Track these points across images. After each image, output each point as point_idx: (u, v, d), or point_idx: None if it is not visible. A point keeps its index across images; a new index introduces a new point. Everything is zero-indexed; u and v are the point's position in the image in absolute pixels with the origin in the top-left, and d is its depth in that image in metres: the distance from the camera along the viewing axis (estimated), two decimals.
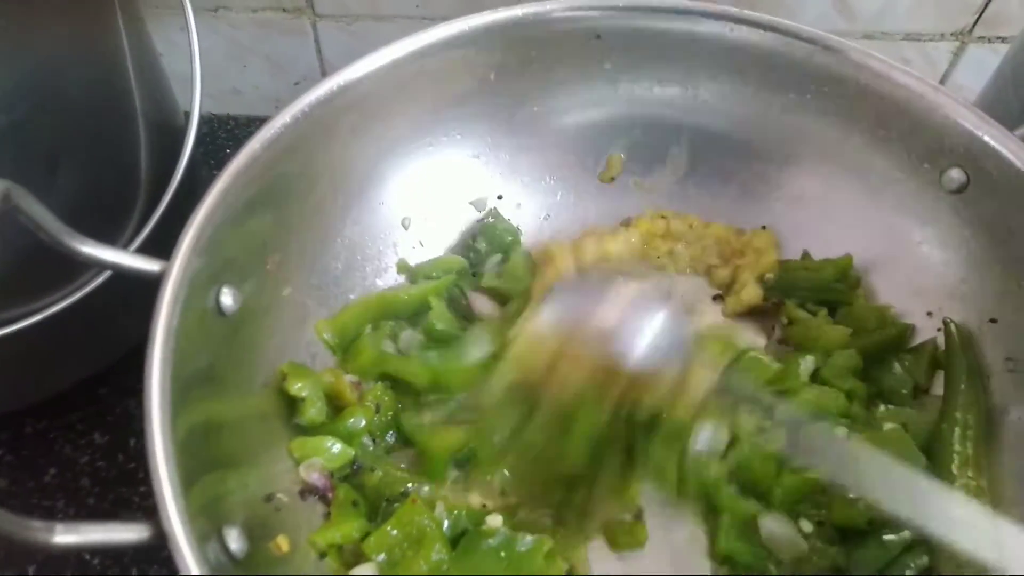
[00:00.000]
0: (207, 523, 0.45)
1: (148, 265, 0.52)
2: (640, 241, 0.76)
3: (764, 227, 0.76)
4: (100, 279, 0.65)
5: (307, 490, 0.59)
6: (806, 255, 0.74)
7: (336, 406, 0.64)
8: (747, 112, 0.73)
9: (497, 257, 0.76)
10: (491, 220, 0.76)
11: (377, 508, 0.59)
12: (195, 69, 0.69)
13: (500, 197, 0.77)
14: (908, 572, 0.57)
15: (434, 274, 0.72)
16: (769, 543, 0.59)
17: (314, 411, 0.61)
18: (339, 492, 0.60)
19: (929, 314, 0.68)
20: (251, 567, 0.49)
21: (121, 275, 0.52)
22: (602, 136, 0.77)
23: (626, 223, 0.78)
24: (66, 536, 0.40)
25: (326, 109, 0.62)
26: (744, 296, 0.73)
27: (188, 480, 0.45)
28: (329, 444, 0.61)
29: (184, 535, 0.41)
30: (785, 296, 0.72)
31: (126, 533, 0.41)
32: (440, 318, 0.70)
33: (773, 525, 0.59)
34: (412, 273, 0.73)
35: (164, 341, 0.49)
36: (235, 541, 0.48)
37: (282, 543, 0.55)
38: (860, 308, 0.70)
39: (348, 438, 0.62)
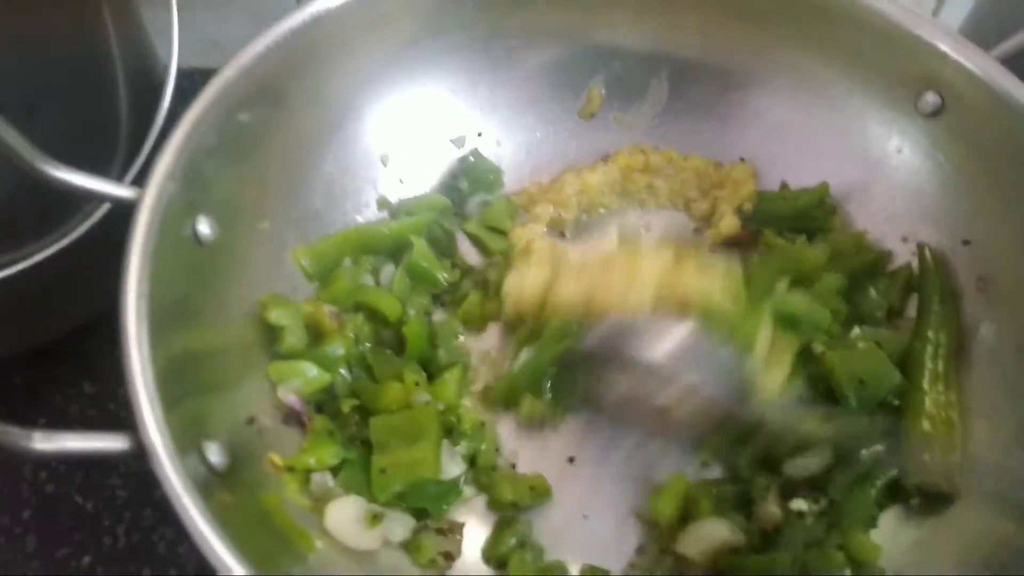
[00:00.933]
0: (186, 437, 0.46)
1: (123, 191, 0.52)
2: (619, 175, 0.76)
3: (742, 159, 0.76)
4: (85, 226, 0.64)
5: (287, 415, 0.60)
6: (784, 186, 0.74)
7: (316, 336, 0.64)
8: (726, 42, 0.73)
9: (479, 197, 0.76)
10: (472, 159, 0.76)
11: (353, 438, 0.60)
12: (173, 20, 0.68)
13: (480, 134, 0.77)
14: (879, 483, 0.59)
15: (416, 211, 0.72)
16: None
17: (293, 339, 0.61)
18: (316, 422, 0.61)
19: (904, 239, 0.69)
20: (234, 482, 0.50)
21: (116, 212, 0.51)
22: (581, 70, 0.77)
23: (605, 159, 0.78)
24: (45, 443, 0.41)
25: (301, 38, 0.62)
26: (723, 227, 0.73)
27: (167, 395, 0.45)
28: (306, 368, 0.61)
29: (162, 443, 0.42)
30: (764, 226, 0.72)
31: (105, 443, 0.42)
32: (423, 256, 0.70)
33: None
34: (393, 210, 0.73)
35: (140, 265, 0.49)
36: (215, 455, 0.49)
37: (276, 459, 0.56)
38: (838, 235, 0.70)
39: (326, 365, 0.62)
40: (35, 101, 0.62)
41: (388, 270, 0.70)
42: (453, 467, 0.59)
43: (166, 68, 0.69)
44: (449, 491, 0.60)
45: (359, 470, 0.58)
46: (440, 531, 0.58)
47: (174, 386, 0.47)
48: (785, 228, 0.72)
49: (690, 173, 0.77)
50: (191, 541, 0.41)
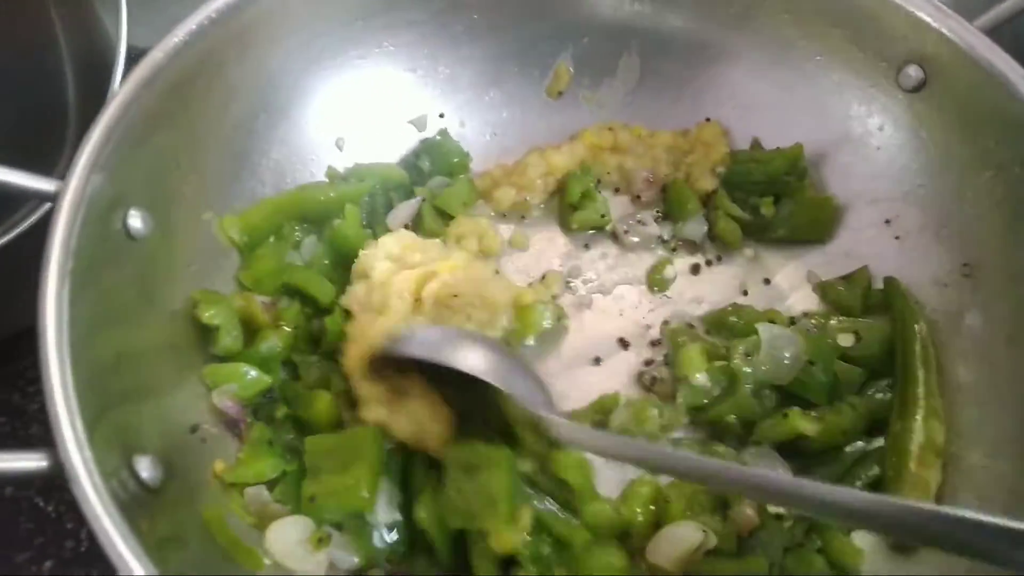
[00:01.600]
0: (115, 452, 0.42)
1: (40, 184, 0.48)
2: (587, 155, 0.73)
3: (708, 119, 0.72)
4: (33, 218, 0.61)
5: (227, 421, 0.56)
6: (756, 144, 0.71)
7: (252, 331, 0.60)
8: (700, 14, 0.69)
9: (439, 180, 0.71)
10: (439, 138, 0.72)
11: (293, 447, 0.56)
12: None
13: (441, 115, 0.73)
14: (858, 483, 0.56)
15: (366, 179, 0.68)
16: None
17: (229, 339, 0.57)
18: (254, 431, 0.56)
19: (887, 222, 0.66)
20: (172, 498, 0.47)
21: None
22: (548, 46, 0.73)
23: (572, 138, 0.74)
24: None
25: (238, 15, 0.58)
26: (699, 187, 0.70)
27: (93, 407, 0.42)
28: (244, 370, 0.57)
29: (82, 464, 0.38)
30: (734, 189, 0.69)
31: (23, 462, 0.39)
32: (351, 227, 0.64)
33: None
34: (340, 179, 0.69)
35: (61, 264, 0.45)
36: (147, 469, 0.46)
37: (218, 468, 0.53)
38: (805, 199, 0.68)
39: (264, 364, 0.58)
40: None
41: (310, 242, 0.65)
42: (389, 511, 0.54)
43: (113, 48, 0.65)
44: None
45: (298, 484, 0.54)
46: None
47: (101, 396, 0.44)
48: (755, 192, 0.69)
49: (660, 149, 0.73)
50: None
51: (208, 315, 0.56)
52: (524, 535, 0.50)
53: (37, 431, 0.71)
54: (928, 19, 0.59)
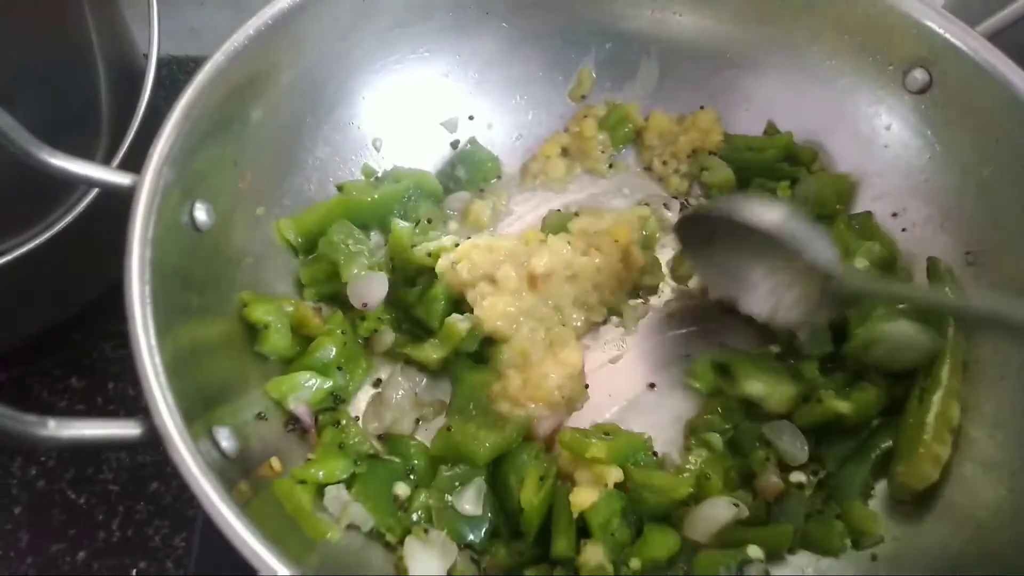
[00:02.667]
0: (198, 421, 0.46)
1: (120, 178, 0.51)
2: (578, 143, 0.77)
3: (702, 107, 0.76)
4: (68, 218, 0.64)
5: (291, 421, 0.59)
6: (771, 126, 0.75)
7: (304, 337, 0.63)
8: (717, 21, 0.73)
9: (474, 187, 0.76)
10: (469, 147, 0.76)
11: (360, 451, 0.59)
12: (153, 7, 0.68)
13: (471, 117, 0.77)
14: (874, 455, 0.60)
15: (401, 181, 0.71)
16: None
17: (278, 337, 0.60)
18: (325, 435, 0.59)
19: (894, 215, 0.70)
20: (245, 467, 0.50)
21: (102, 201, 0.50)
22: (571, 50, 0.77)
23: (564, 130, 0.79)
24: (59, 430, 0.40)
25: (290, 22, 0.62)
26: (716, 178, 0.75)
27: (176, 381, 0.45)
28: (304, 380, 0.60)
29: (176, 428, 0.42)
30: (744, 175, 0.74)
31: (119, 429, 0.42)
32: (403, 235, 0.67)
33: None
34: (376, 177, 0.73)
35: (140, 251, 0.49)
36: (226, 439, 0.49)
37: (275, 463, 0.56)
38: (819, 178, 0.72)
39: (322, 370, 0.61)
40: (15, 91, 0.61)
41: (375, 238, 0.69)
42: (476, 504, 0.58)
43: (146, 57, 0.68)
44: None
45: (373, 481, 0.57)
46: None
47: (182, 372, 0.47)
48: (757, 177, 0.73)
49: (654, 134, 0.77)
50: (214, 525, 0.41)
51: (257, 315, 0.59)
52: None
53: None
54: (933, 25, 0.63)
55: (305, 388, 0.59)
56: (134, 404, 0.74)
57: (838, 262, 0.57)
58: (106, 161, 0.66)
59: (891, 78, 0.68)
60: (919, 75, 0.66)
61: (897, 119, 0.69)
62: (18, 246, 0.62)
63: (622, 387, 0.66)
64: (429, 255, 0.65)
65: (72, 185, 0.64)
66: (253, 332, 0.61)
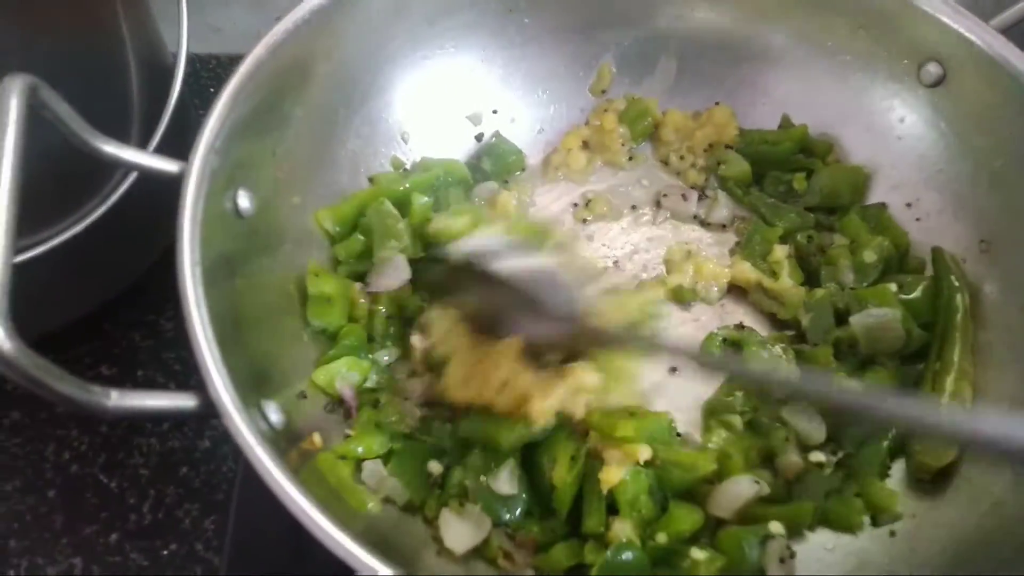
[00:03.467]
0: (248, 395, 0.48)
1: (168, 165, 0.53)
2: (598, 135, 0.79)
3: (718, 103, 0.78)
4: (100, 212, 0.65)
5: (332, 403, 0.61)
6: (785, 119, 0.77)
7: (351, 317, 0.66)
8: (733, 15, 0.76)
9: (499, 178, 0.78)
10: (494, 140, 0.78)
11: (396, 431, 0.61)
12: (182, 7, 0.69)
13: (495, 111, 0.79)
14: (890, 434, 0.62)
15: (431, 170, 0.74)
16: None
17: (336, 312, 0.63)
18: (362, 414, 0.61)
19: (908, 205, 0.72)
20: (291, 440, 0.52)
21: (136, 189, 0.52)
22: (593, 46, 0.79)
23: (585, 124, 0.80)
24: (120, 401, 0.42)
25: (326, 18, 0.64)
26: (731, 171, 0.77)
27: (226, 356, 0.47)
28: (348, 365, 0.62)
29: (231, 400, 0.44)
30: (760, 169, 0.76)
31: (177, 400, 0.44)
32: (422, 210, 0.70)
33: None
34: (405, 168, 0.75)
35: (191, 232, 0.51)
36: (274, 413, 0.51)
37: (316, 439, 0.57)
38: (833, 170, 0.74)
39: (366, 350, 0.64)
40: (52, 84, 0.63)
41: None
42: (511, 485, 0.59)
43: (173, 55, 0.70)
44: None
45: (408, 458, 0.60)
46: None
47: (231, 348, 0.49)
48: (773, 169, 0.76)
49: (669, 129, 0.79)
50: (270, 493, 0.42)
51: (323, 288, 0.62)
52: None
53: None
54: (947, 20, 0.65)
55: (349, 373, 0.62)
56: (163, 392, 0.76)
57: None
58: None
59: (905, 72, 0.70)
60: (933, 69, 0.68)
61: (911, 112, 0.71)
62: (50, 237, 0.63)
63: (644, 371, 0.67)
64: (438, 232, 0.67)
65: (103, 178, 0.66)
66: (292, 311, 0.63)
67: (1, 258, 0.41)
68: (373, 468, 0.58)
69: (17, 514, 0.69)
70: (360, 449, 0.59)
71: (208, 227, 0.53)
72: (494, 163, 0.77)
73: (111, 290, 0.76)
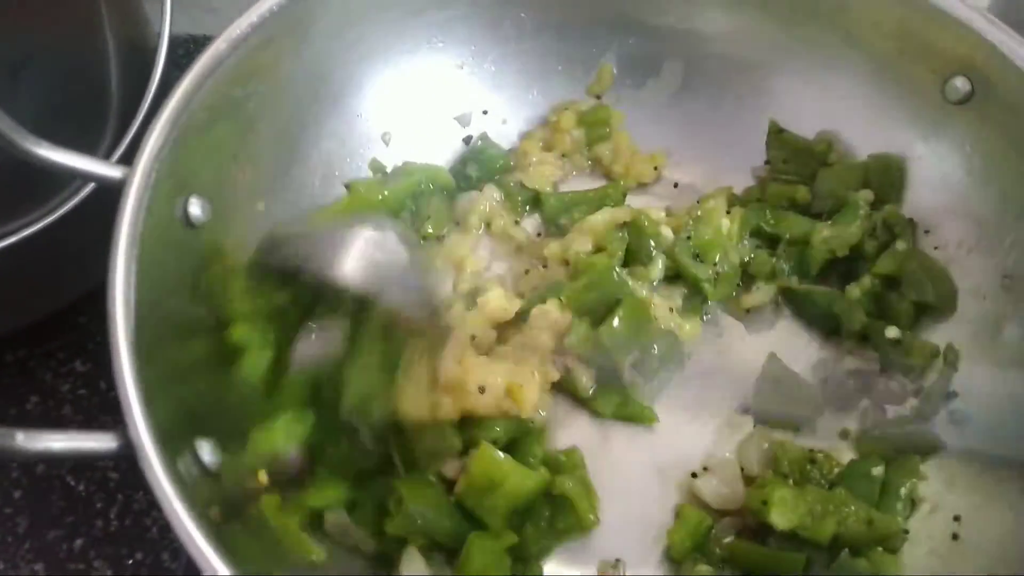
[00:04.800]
0: (178, 434, 0.44)
1: (109, 171, 0.49)
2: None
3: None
4: (73, 202, 0.62)
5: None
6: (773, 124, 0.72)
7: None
8: (746, 19, 0.70)
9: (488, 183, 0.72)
10: (480, 143, 0.73)
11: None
12: None
13: (485, 112, 0.74)
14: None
15: (412, 175, 0.69)
16: None
17: (256, 362, 0.55)
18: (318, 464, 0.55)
19: (927, 232, 0.66)
20: (226, 481, 0.48)
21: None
22: (593, 46, 0.74)
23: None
24: (29, 442, 0.38)
25: (297, 8, 0.59)
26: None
27: (159, 390, 0.43)
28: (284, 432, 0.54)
29: (152, 444, 0.40)
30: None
31: (92, 442, 0.40)
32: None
33: None
34: (385, 174, 0.70)
35: (128, 249, 0.47)
36: (208, 454, 0.47)
37: (262, 476, 0.53)
38: (840, 168, 0.69)
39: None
40: (20, 66, 0.59)
41: None
42: None
43: (157, 34, 0.66)
44: None
45: (373, 505, 0.55)
46: None
47: (166, 380, 0.45)
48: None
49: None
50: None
51: (239, 334, 0.54)
52: None
53: (68, 412, 0.72)
54: (980, 31, 0.59)
55: (292, 431, 0.54)
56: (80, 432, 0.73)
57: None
58: (117, 140, 0.64)
59: (930, 86, 0.63)
60: (960, 84, 0.62)
61: (934, 130, 0.65)
62: (23, 227, 0.60)
63: None
64: None
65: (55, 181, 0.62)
66: None
67: None
68: (336, 519, 0.54)
69: None
70: (317, 503, 0.53)
71: (151, 241, 0.49)
72: (480, 168, 0.72)
73: (87, 283, 0.73)
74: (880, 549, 0.55)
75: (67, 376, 0.73)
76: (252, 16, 0.56)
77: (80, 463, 0.69)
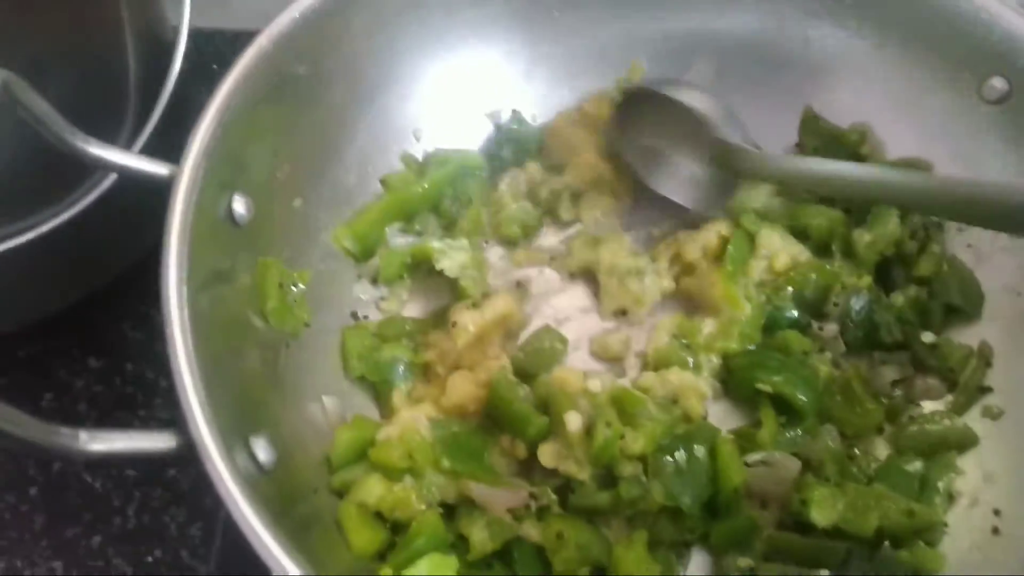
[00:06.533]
0: (233, 431, 0.43)
1: (156, 168, 0.49)
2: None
3: None
4: (91, 197, 0.62)
5: None
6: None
7: None
8: (778, 19, 0.70)
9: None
10: (515, 126, 0.73)
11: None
12: None
13: (515, 110, 0.74)
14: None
15: (445, 165, 0.69)
16: None
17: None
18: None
19: (960, 230, 0.66)
20: (281, 480, 0.48)
21: (127, 180, 0.49)
22: (625, 45, 0.73)
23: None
24: (92, 444, 0.38)
25: (337, 6, 0.59)
26: None
27: (213, 388, 0.43)
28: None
29: (212, 442, 0.39)
30: None
31: (153, 442, 0.40)
32: None
33: None
34: (419, 165, 0.70)
35: (178, 246, 0.46)
36: (263, 451, 0.47)
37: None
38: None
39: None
40: (43, 61, 0.59)
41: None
42: None
43: (175, 28, 0.66)
44: None
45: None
46: None
47: (219, 377, 0.45)
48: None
49: None
50: (247, 544, 0.39)
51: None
52: None
53: (83, 408, 0.72)
54: (1017, 30, 0.59)
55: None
56: (152, 386, 0.73)
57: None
58: (132, 138, 0.64)
59: (966, 86, 0.64)
60: (998, 84, 0.62)
61: (967, 129, 0.65)
62: (38, 225, 0.60)
63: None
64: None
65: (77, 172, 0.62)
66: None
67: None
68: None
69: None
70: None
71: (199, 237, 0.48)
72: (515, 150, 0.72)
73: (100, 280, 0.73)
74: (921, 544, 0.55)
75: (81, 372, 0.73)
76: (294, 12, 0.56)
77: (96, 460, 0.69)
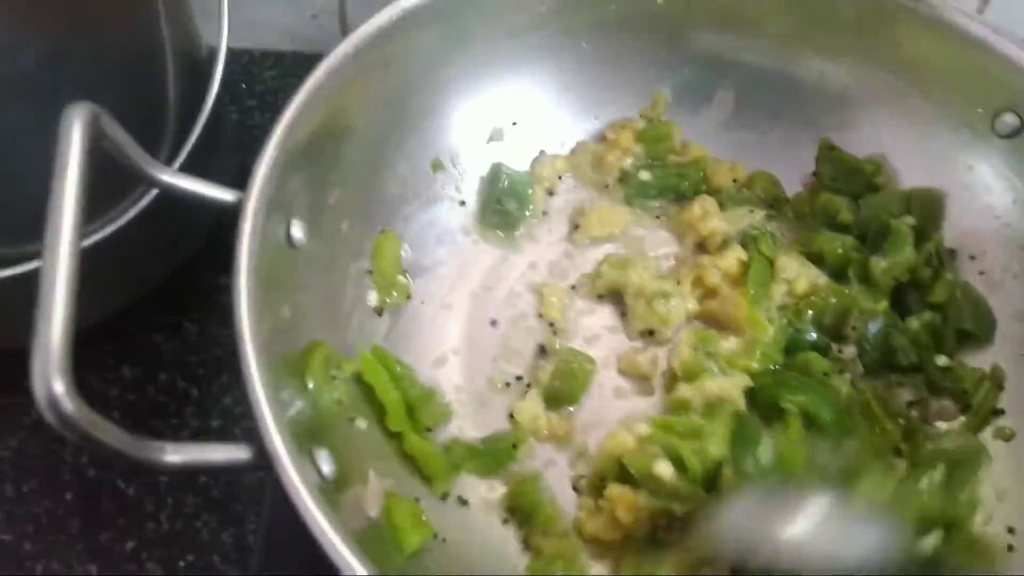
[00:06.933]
0: (300, 445, 0.46)
1: (225, 195, 0.52)
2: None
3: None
4: (130, 214, 0.64)
5: None
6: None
7: None
8: (796, 51, 0.73)
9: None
10: (506, 176, 0.74)
11: None
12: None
13: (495, 164, 0.75)
14: None
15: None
16: None
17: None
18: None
19: (972, 257, 0.70)
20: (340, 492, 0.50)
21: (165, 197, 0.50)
22: (650, 76, 0.77)
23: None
24: (175, 455, 0.41)
25: (384, 42, 0.62)
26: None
27: (281, 402, 0.45)
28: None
29: (287, 454, 0.42)
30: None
31: (231, 453, 0.42)
32: None
33: None
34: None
35: (248, 272, 0.49)
36: (326, 463, 0.49)
37: None
38: (884, 194, 0.72)
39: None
40: (93, 87, 0.61)
41: None
42: None
43: (211, 50, 0.68)
44: None
45: None
46: None
47: (285, 392, 0.47)
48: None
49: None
50: (319, 549, 0.41)
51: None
52: None
53: (117, 417, 0.73)
54: None
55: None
56: (184, 395, 0.75)
57: None
58: (172, 157, 0.66)
59: (979, 120, 0.67)
60: (1009, 119, 0.65)
61: (981, 161, 0.69)
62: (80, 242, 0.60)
63: None
64: None
65: (130, 184, 0.64)
66: None
67: (63, 314, 0.38)
68: None
69: (33, 516, 0.68)
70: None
71: (264, 262, 0.51)
72: (519, 202, 0.74)
73: (135, 293, 0.75)
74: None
75: (115, 382, 0.75)
76: (348, 47, 0.59)
77: (129, 466, 0.70)
